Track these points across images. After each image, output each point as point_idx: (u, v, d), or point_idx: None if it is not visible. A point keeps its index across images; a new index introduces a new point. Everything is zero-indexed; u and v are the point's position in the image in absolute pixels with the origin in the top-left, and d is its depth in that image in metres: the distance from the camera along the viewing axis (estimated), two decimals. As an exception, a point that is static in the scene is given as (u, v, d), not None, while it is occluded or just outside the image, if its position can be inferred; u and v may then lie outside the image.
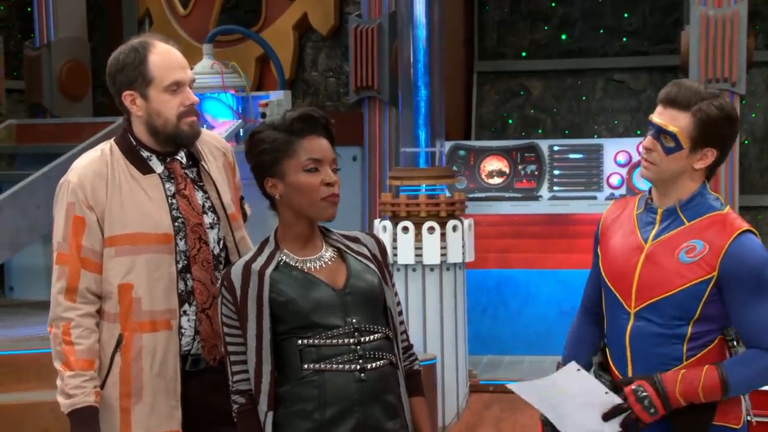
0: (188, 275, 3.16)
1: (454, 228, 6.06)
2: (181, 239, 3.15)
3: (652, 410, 2.87)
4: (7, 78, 8.66)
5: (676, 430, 2.92)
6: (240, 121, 7.02)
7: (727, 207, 3.00)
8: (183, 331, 3.15)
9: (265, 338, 2.91)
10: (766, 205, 8.03)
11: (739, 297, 2.87)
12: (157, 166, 3.18)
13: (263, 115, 7.03)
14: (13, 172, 8.13)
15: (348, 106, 7.86)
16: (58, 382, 3.07)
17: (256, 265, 2.94)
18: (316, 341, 2.91)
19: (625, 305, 2.97)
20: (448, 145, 7.06)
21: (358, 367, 2.89)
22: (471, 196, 6.95)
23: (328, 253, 2.99)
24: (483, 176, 7.22)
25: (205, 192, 3.23)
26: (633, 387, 2.89)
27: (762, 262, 2.88)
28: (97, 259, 3.11)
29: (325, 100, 8.39)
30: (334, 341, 2.90)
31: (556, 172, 7.29)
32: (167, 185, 3.18)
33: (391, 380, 2.94)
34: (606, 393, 2.93)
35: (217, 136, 3.43)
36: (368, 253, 3.02)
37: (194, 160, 3.25)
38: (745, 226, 2.93)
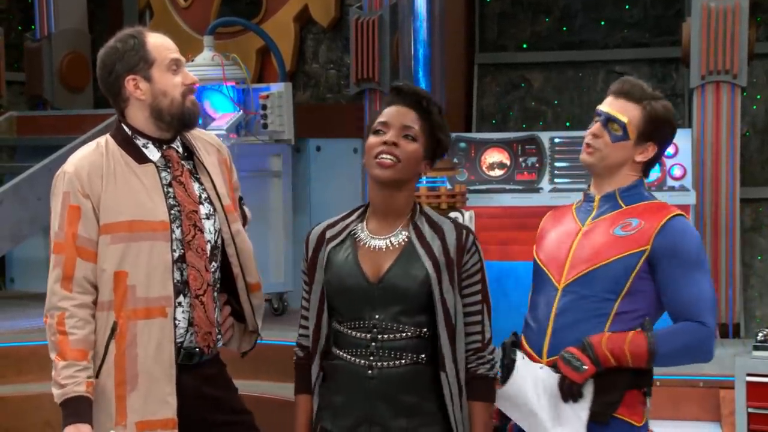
0: (184, 265, 3.17)
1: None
2: (177, 227, 3.16)
3: (581, 367, 2.90)
4: (7, 70, 8.66)
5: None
6: (241, 113, 7.01)
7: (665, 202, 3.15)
8: (177, 322, 3.16)
9: (325, 303, 2.99)
10: (767, 198, 8.02)
11: (671, 272, 2.96)
12: (154, 154, 3.20)
13: (264, 107, 7.03)
14: (14, 164, 8.15)
15: (349, 98, 7.86)
16: (53, 372, 3.08)
17: (331, 232, 3.02)
18: (341, 328, 2.97)
19: (554, 281, 3.05)
20: (449, 137, 7.05)
21: (367, 363, 2.90)
22: (472, 188, 6.94)
23: (400, 236, 2.99)
24: (484, 168, 7.21)
25: (201, 183, 3.25)
26: (561, 354, 2.94)
27: (695, 240, 3.00)
28: (93, 248, 3.11)
29: (325, 92, 8.38)
30: (353, 333, 2.94)
31: (557, 164, 7.28)
32: (163, 174, 3.20)
33: (409, 380, 2.91)
34: (550, 371, 2.97)
35: (211, 134, 3.45)
36: (437, 248, 2.97)
37: (189, 152, 3.27)
38: (679, 211, 3.05)
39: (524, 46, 8.63)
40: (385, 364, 2.90)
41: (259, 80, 8.02)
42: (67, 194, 3.12)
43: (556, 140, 7.31)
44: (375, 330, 2.91)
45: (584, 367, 2.90)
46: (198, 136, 3.33)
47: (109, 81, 3.20)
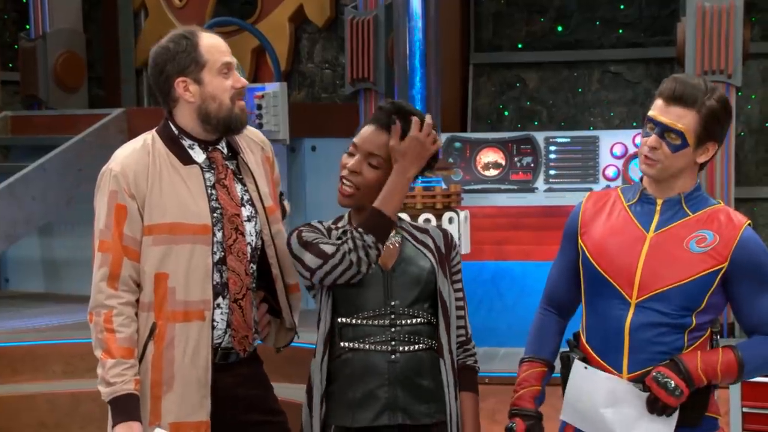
0: (224, 267, 3.16)
1: (450, 220, 6.07)
2: (218, 230, 3.15)
3: (678, 392, 2.86)
4: (2, 69, 8.67)
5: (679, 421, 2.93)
6: (236, 112, 7.00)
7: (720, 201, 3.06)
8: (215, 324, 3.15)
9: (324, 315, 3.05)
10: (761, 197, 8.04)
11: (748, 287, 2.93)
12: (199, 155, 3.19)
13: (259, 107, 7.03)
14: (9, 164, 8.13)
15: (344, 98, 7.86)
16: (99, 370, 3.07)
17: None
18: (354, 321, 3.01)
19: (625, 295, 2.94)
20: (444, 137, 7.05)
21: (389, 348, 2.97)
22: (467, 188, 6.95)
23: (393, 239, 3.07)
24: (479, 168, 7.22)
25: (244, 185, 3.24)
26: (653, 374, 2.88)
27: (766, 252, 2.95)
28: (137, 248, 3.10)
29: (320, 92, 8.39)
30: (371, 321, 3.00)
31: (552, 164, 7.29)
32: (207, 175, 3.18)
33: (426, 365, 3.00)
34: (628, 383, 2.93)
35: (256, 131, 3.42)
36: (431, 244, 3.09)
37: (233, 152, 3.26)
38: (746, 218, 2.99)
39: (519, 45, 8.63)
40: (406, 347, 2.98)
41: (254, 80, 8.02)
42: (114, 193, 3.10)
43: (551, 140, 7.32)
44: (393, 316, 2.99)
45: (680, 391, 2.86)
46: (244, 133, 3.30)
47: (160, 81, 3.17)
